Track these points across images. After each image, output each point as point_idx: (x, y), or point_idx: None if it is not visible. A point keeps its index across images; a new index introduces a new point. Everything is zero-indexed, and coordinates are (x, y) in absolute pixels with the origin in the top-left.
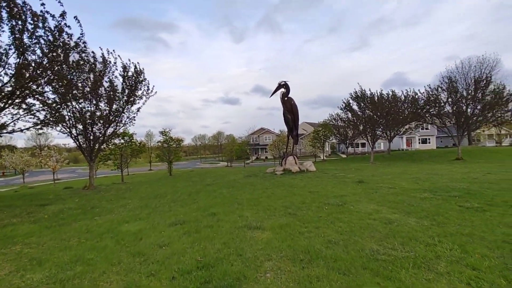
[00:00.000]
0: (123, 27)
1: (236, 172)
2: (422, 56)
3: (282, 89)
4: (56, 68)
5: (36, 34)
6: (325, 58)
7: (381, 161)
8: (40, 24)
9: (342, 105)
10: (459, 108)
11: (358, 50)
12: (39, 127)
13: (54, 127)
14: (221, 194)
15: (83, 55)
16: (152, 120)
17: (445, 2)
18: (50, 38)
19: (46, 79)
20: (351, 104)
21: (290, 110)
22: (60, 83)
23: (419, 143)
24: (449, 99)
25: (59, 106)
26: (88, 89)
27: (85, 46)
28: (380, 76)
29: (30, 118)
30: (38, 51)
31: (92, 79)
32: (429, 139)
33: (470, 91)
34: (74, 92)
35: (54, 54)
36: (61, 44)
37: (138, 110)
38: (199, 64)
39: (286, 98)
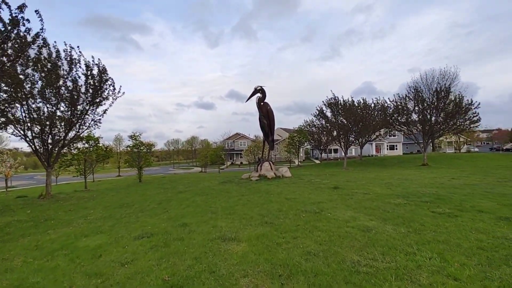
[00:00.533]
0: (91, 26)
1: (211, 178)
2: (388, 67)
3: (258, 94)
4: (6, 63)
5: None
6: (298, 66)
7: (354, 167)
8: None
9: (316, 111)
10: (425, 116)
11: (329, 60)
12: None
13: (3, 129)
14: (194, 203)
15: (43, 50)
16: (121, 123)
17: (408, 19)
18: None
19: None
20: (324, 111)
21: (266, 115)
22: (7, 80)
23: (387, 149)
24: (416, 108)
25: (6, 105)
26: (47, 86)
27: (44, 42)
28: (350, 84)
29: None
30: None
31: (53, 74)
32: (396, 145)
33: (433, 101)
34: (27, 89)
35: (4, 48)
36: (14, 37)
37: (104, 112)
38: (172, 67)
39: (262, 103)
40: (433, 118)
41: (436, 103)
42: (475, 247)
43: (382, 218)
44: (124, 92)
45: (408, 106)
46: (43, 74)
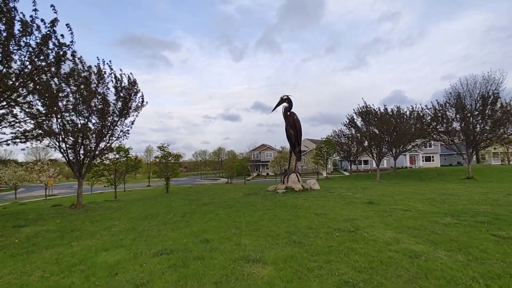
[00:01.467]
0: (125, 45)
1: (236, 189)
2: (419, 75)
3: (285, 104)
4: (41, 77)
5: (23, 41)
6: (323, 76)
7: (388, 179)
8: (30, 30)
9: (346, 121)
10: (468, 124)
11: (355, 69)
12: (19, 140)
13: (40, 140)
14: (217, 216)
15: (72, 64)
16: (153, 135)
17: (438, 25)
18: (34, 45)
19: (27, 89)
20: (355, 120)
21: (292, 125)
22: (45, 94)
23: (422, 160)
24: (457, 116)
25: (43, 118)
26: (80, 101)
27: (73, 56)
28: (379, 94)
29: (13, 129)
30: (23, 58)
31: (85, 91)
32: (433, 156)
33: (477, 108)
34: (63, 103)
35: (38, 62)
36: (46, 51)
37: (132, 123)
38: (200, 81)
39: (288, 113)
40: (478, 127)
41: (482, 110)
42: None
43: (431, 241)
44: (147, 102)
45: (448, 114)
46: (75, 88)
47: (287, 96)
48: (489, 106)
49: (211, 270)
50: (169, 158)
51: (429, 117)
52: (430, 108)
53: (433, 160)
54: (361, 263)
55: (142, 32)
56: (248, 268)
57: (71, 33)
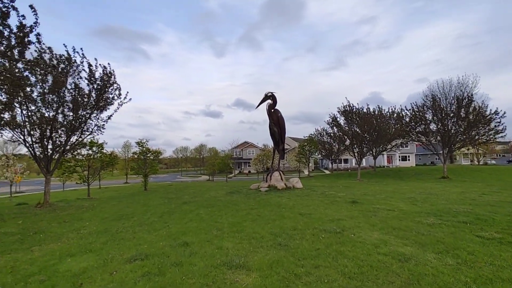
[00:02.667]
0: (101, 36)
1: (218, 187)
2: (395, 78)
3: (269, 101)
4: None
5: None
6: (304, 76)
7: (368, 178)
8: None
9: (329, 119)
10: (444, 126)
11: (335, 70)
12: None
13: (1, 133)
14: (198, 216)
15: (37, 47)
16: (131, 130)
17: (412, 30)
18: None
19: None
20: (338, 119)
21: (276, 122)
22: (5, 81)
23: (399, 160)
24: (435, 117)
25: (2, 108)
26: (48, 91)
27: (38, 40)
28: (357, 95)
29: None
30: None
31: (52, 80)
32: (409, 156)
33: (453, 109)
34: (27, 92)
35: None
36: (4, 32)
37: (109, 117)
38: (180, 76)
39: (272, 110)
40: (452, 128)
41: (456, 112)
42: None
43: (419, 243)
44: (130, 99)
45: (426, 115)
46: (41, 77)
47: (271, 93)
48: (463, 109)
49: (190, 278)
50: (148, 155)
51: (408, 118)
52: (410, 109)
53: (409, 160)
54: (351, 268)
55: (120, 23)
56: (230, 276)
57: (35, 14)
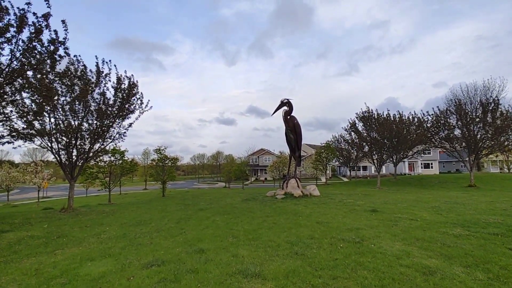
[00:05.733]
0: (118, 47)
1: (234, 194)
2: (411, 83)
3: (285, 107)
4: (27, 74)
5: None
6: (318, 82)
7: (388, 186)
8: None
9: (348, 125)
10: (470, 131)
11: (348, 75)
12: (5, 140)
13: (32, 140)
14: (214, 223)
15: (68, 63)
16: (149, 138)
17: (429, 34)
18: (25, 39)
19: (14, 86)
20: (356, 125)
21: (292, 129)
22: (36, 91)
23: (421, 167)
24: (459, 122)
25: (33, 116)
26: (75, 100)
27: (67, 54)
28: (373, 100)
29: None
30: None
31: (78, 89)
32: (431, 163)
33: (478, 114)
34: (56, 102)
35: (29, 58)
36: (36, 46)
37: (130, 125)
38: (195, 84)
39: (288, 117)
40: (479, 133)
41: (483, 117)
42: None
43: (445, 256)
44: (151, 106)
45: (450, 120)
46: (69, 88)
47: (287, 99)
48: (489, 114)
49: (205, 286)
50: (166, 161)
51: (430, 123)
52: (432, 114)
53: (432, 167)
54: (371, 280)
55: (135, 35)
56: (246, 284)
57: (66, 30)
